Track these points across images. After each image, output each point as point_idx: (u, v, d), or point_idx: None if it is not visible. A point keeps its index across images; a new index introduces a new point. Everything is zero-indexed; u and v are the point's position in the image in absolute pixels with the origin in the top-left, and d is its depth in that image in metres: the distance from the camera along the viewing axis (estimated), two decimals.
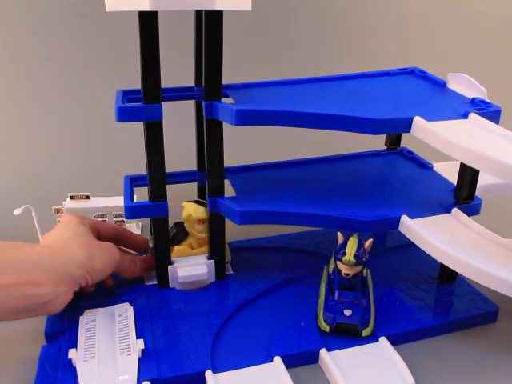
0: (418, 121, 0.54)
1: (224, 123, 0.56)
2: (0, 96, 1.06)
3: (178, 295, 0.63)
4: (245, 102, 0.58)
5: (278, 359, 0.53)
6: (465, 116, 0.57)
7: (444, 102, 0.62)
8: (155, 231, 0.60)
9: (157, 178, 0.57)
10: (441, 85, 0.67)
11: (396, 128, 0.57)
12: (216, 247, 0.63)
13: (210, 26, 0.51)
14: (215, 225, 0.62)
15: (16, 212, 0.62)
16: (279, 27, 1.12)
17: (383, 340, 0.56)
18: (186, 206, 0.63)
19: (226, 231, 0.63)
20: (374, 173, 0.72)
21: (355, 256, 0.56)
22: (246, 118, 0.54)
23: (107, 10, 0.48)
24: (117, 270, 0.61)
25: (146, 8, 0.48)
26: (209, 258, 0.64)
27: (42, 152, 1.02)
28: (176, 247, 0.64)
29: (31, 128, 1.05)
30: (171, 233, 0.64)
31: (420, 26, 1.18)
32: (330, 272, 0.61)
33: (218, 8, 0.50)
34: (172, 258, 0.63)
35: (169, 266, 0.62)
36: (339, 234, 0.59)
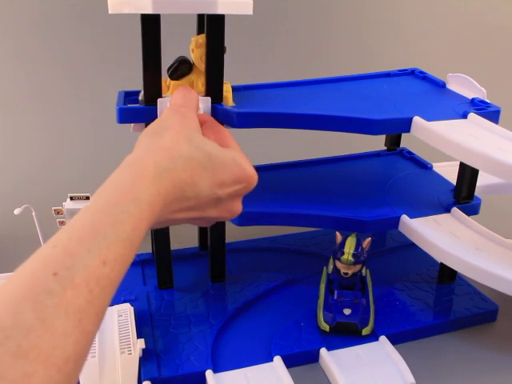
0: (417, 121, 0.55)
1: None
2: (1, 96, 1.06)
3: (178, 296, 0.63)
4: (246, 105, 0.58)
5: (278, 359, 0.53)
6: (464, 116, 0.57)
7: (444, 103, 0.62)
8: (156, 235, 0.61)
9: None
10: (440, 85, 0.67)
11: (396, 128, 0.58)
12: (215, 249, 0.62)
13: (211, 29, 0.51)
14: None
15: (16, 212, 0.62)
16: (279, 29, 1.13)
17: (383, 339, 0.56)
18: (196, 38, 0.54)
19: (225, 231, 0.63)
20: (374, 173, 0.72)
21: (353, 255, 0.56)
22: (247, 121, 0.55)
23: (110, 12, 0.48)
24: None
25: (149, 11, 0.48)
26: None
27: (43, 152, 1.02)
28: (173, 82, 0.54)
29: (32, 128, 1.05)
30: (173, 65, 0.54)
31: (420, 27, 1.18)
32: (330, 272, 0.61)
33: (219, 12, 0.50)
34: (165, 94, 0.55)
35: (159, 99, 0.53)
36: (337, 233, 0.59)
